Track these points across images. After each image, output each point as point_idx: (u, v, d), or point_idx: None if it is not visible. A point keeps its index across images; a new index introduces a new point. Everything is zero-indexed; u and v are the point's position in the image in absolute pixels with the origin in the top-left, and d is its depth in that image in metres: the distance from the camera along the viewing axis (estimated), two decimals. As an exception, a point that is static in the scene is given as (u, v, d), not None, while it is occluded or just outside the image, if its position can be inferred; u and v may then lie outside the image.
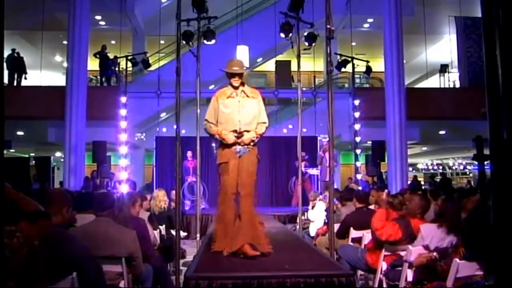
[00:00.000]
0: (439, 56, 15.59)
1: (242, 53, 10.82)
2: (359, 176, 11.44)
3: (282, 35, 5.96)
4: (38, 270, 1.71)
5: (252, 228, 3.54)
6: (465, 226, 3.14)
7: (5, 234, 1.53)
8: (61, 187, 10.55)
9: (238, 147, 3.67)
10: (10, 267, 1.52)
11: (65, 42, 12.82)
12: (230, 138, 3.64)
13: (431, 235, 3.36)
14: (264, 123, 3.79)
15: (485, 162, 10.09)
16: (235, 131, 3.66)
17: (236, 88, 3.74)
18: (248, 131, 3.68)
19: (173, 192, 6.23)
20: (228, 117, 3.69)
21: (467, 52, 13.03)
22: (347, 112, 12.10)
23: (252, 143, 3.69)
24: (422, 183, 16.62)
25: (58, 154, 16.11)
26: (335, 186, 9.64)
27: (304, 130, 10.11)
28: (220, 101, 3.73)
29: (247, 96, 3.74)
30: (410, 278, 3.43)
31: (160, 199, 5.61)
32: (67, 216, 2.56)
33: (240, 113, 3.69)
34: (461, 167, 24.33)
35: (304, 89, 12.10)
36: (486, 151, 9.72)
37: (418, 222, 3.74)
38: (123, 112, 10.82)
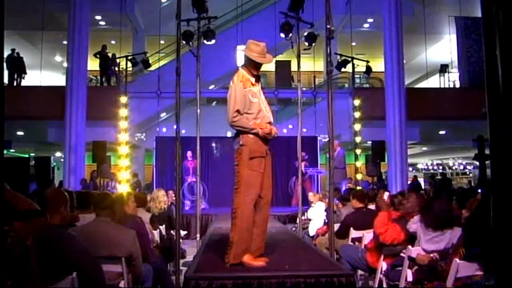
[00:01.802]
0: (439, 56, 15.59)
1: (242, 53, 10.82)
2: (359, 176, 11.44)
3: (282, 35, 5.95)
4: (32, 269, 1.70)
5: (264, 237, 3.31)
6: (467, 225, 3.14)
7: None
8: (61, 186, 10.54)
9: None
10: (6, 267, 1.52)
11: (65, 42, 12.82)
12: (274, 132, 3.18)
13: (425, 236, 3.37)
14: None
15: (487, 162, 10.10)
16: (270, 123, 3.20)
17: (255, 76, 3.29)
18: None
19: (170, 192, 6.21)
20: (258, 107, 3.18)
21: (467, 52, 13.03)
22: (347, 112, 12.09)
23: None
24: (422, 183, 16.60)
25: (58, 154, 16.11)
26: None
27: (304, 130, 10.10)
28: (247, 88, 3.16)
29: (261, 88, 3.36)
30: (410, 278, 3.43)
31: (160, 200, 5.47)
32: (66, 215, 2.55)
33: (264, 104, 3.27)
34: (461, 167, 24.33)
35: (304, 89, 12.11)
36: (488, 151, 9.72)
37: (418, 221, 3.75)
38: (123, 112, 10.81)
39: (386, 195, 4.44)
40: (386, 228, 3.83)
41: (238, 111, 3.09)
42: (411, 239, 3.67)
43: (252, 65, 3.25)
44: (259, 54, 3.23)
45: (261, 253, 3.25)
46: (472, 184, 17.35)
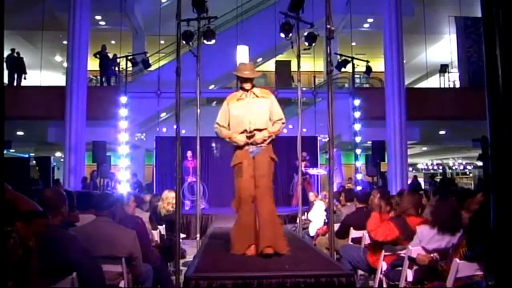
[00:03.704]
0: (439, 56, 15.60)
1: (242, 53, 10.81)
2: (359, 176, 11.44)
3: (282, 35, 5.94)
4: (34, 270, 1.70)
5: (272, 229, 3.49)
6: (470, 225, 3.13)
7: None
8: (59, 184, 10.52)
9: (251, 148, 3.62)
10: (7, 268, 1.52)
11: (65, 42, 12.82)
12: (240, 139, 3.62)
13: (428, 236, 3.36)
14: (280, 119, 3.73)
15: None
16: (245, 131, 3.63)
17: (246, 91, 3.76)
18: (260, 130, 3.63)
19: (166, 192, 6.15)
20: (237, 118, 3.69)
21: (467, 52, 13.03)
22: (347, 112, 12.09)
23: (265, 142, 3.63)
24: (422, 183, 16.60)
25: (58, 154, 16.11)
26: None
27: (304, 130, 10.10)
28: (231, 104, 3.75)
29: (257, 96, 3.74)
30: (410, 278, 3.43)
31: (169, 201, 5.43)
32: (66, 214, 2.55)
33: (249, 113, 3.66)
34: (461, 167, 24.34)
35: (304, 89, 12.08)
36: (487, 151, 9.71)
37: (415, 219, 3.76)
38: (123, 112, 10.82)
39: (376, 197, 4.43)
40: (377, 225, 3.86)
41: (217, 123, 3.77)
42: (411, 236, 3.66)
43: (240, 82, 3.81)
44: (239, 70, 3.79)
45: (272, 243, 3.43)
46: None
